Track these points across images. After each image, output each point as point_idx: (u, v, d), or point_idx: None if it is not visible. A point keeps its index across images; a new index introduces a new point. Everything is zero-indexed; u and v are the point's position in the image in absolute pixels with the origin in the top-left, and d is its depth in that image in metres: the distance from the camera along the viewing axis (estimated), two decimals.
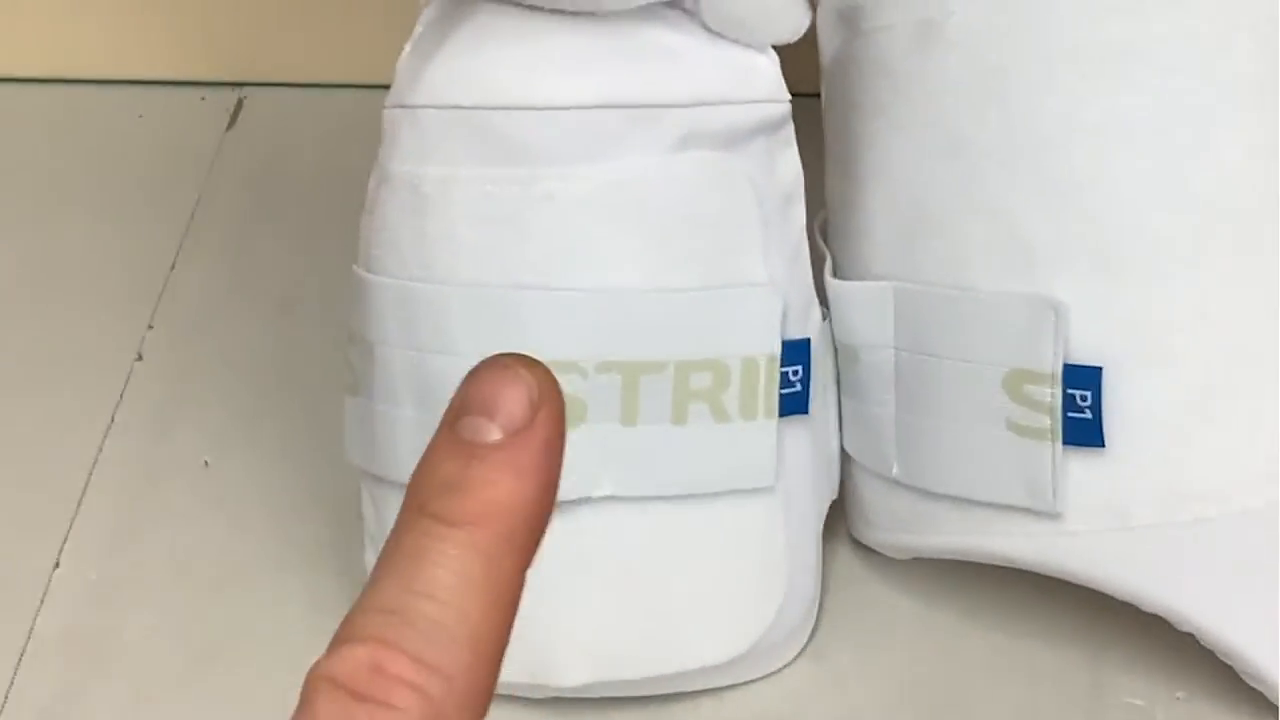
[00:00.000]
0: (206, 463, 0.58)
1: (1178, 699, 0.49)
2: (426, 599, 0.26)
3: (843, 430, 0.51)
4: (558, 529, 0.46)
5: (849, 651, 0.51)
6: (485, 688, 0.26)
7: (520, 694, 0.49)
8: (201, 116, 0.71)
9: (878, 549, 0.52)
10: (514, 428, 0.27)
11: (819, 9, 0.50)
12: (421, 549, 0.26)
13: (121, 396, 0.60)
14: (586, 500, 0.47)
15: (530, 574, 0.47)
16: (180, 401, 0.60)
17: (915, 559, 0.52)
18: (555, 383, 0.27)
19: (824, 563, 0.52)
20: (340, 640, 0.26)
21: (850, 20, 0.49)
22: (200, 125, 0.71)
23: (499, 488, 0.27)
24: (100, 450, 0.58)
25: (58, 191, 0.68)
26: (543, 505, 0.27)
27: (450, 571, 0.26)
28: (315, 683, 0.26)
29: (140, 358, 0.61)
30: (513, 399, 0.27)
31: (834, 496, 0.51)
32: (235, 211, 0.67)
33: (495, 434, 0.27)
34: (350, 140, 0.68)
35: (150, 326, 0.62)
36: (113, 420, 0.59)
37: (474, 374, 0.27)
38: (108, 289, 0.64)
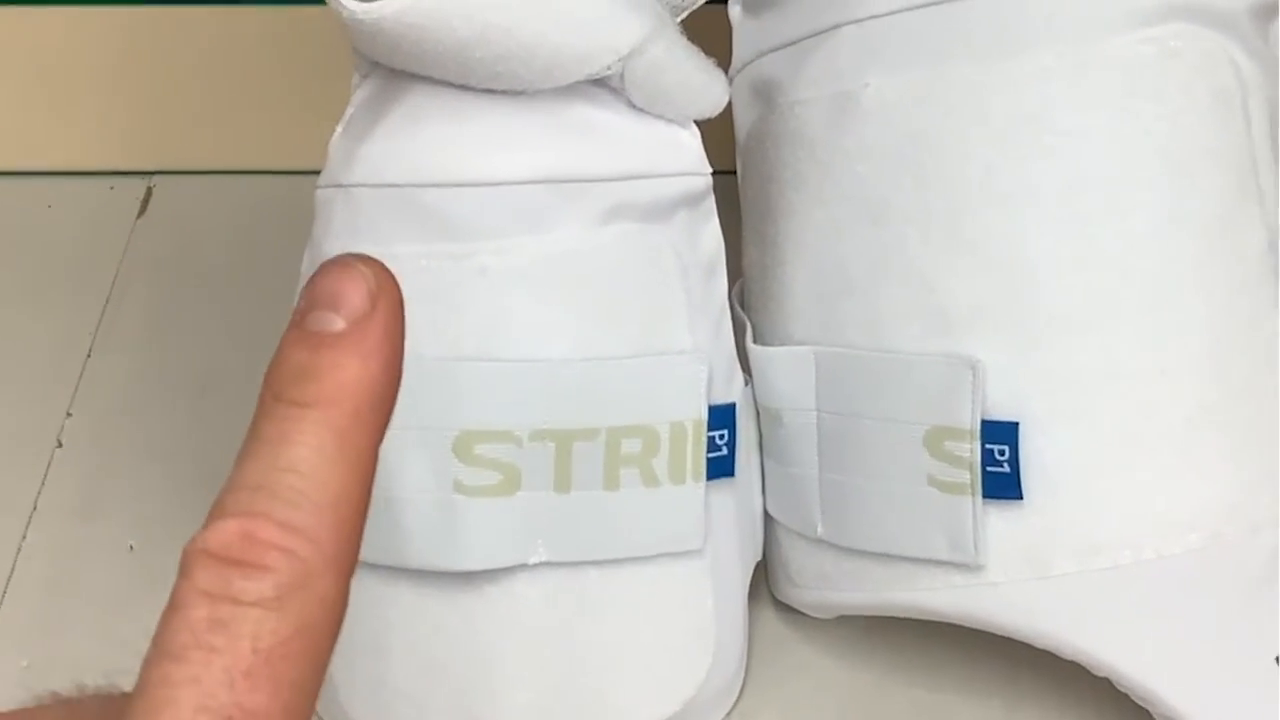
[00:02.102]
0: (131, 547, 0.58)
1: None
2: (288, 473, 0.28)
3: (766, 492, 0.52)
4: (490, 595, 0.47)
5: (775, 711, 0.52)
6: (349, 549, 0.28)
7: None
8: (112, 205, 0.72)
9: (802, 609, 0.53)
10: (356, 317, 0.29)
11: (734, 85, 0.52)
12: (280, 432, 0.28)
13: (43, 483, 0.60)
14: (522, 566, 0.48)
15: (468, 640, 0.48)
16: (102, 487, 0.60)
17: (838, 618, 0.53)
18: (391, 275, 0.30)
19: (749, 624, 0.53)
20: (213, 516, 0.28)
21: (766, 95, 0.51)
22: (111, 214, 0.71)
23: (346, 370, 0.29)
24: (24, 538, 0.58)
25: None
26: (387, 383, 0.29)
27: (308, 448, 0.28)
28: (192, 555, 0.28)
29: (60, 444, 0.62)
30: (354, 291, 0.29)
31: (758, 558, 0.53)
32: (149, 298, 0.68)
33: (339, 324, 0.29)
34: (259, 225, 0.69)
35: (69, 414, 0.63)
36: (35, 507, 0.59)
37: (318, 273, 0.30)
38: (25, 377, 0.64)
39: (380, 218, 0.47)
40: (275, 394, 0.29)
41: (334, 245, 0.48)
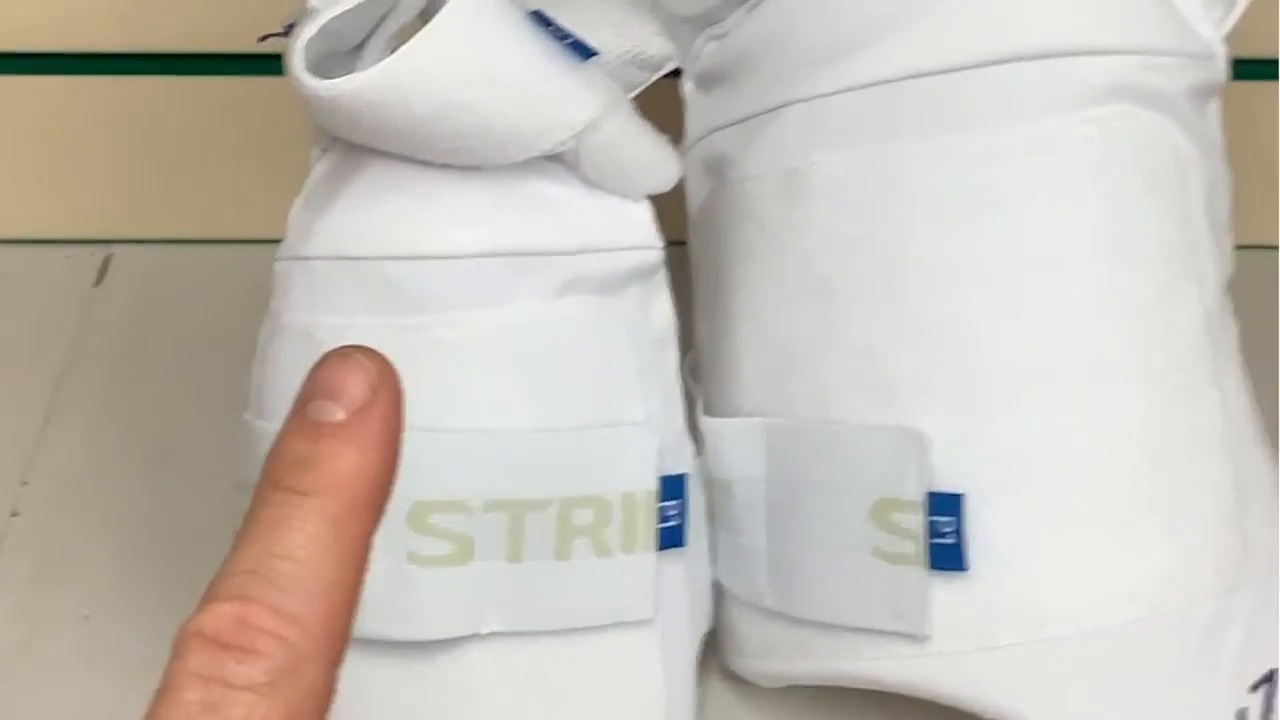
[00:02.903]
0: (87, 616, 0.58)
1: None
2: (283, 559, 0.29)
3: (717, 562, 0.53)
4: (443, 664, 0.48)
5: None
6: (339, 636, 0.29)
7: None
8: (69, 274, 0.72)
9: (750, 679, 0.54)
10: (356, 407, 0.30)
11: (686, 160, 0.53)
12: (277, 518, 0.29)
13: None
14: (475, 636, 0.48)
15: (420, 710, 0.49)
16: (58, 556, 0.60)
17: (786, 688, 0.54)
18: (391, 367, 0.31)
19: (700, 693, 0.54)
20: (207, 599, 0.29)
21: (718, 170, 0.52)
22: (68, 283, 0.72)
23: (345, 460, 0.30)
24: None
25: None
26: (384, 473, 0.30)
27: (304, 535, 0.29)
28: (185, 637, 0.28)
29: (15, 514, 0.62)
30: (354, 382, 0.30)
31: (709, 627, 0.53)
32: (106, 367, 0.68)
33: (340, 414, 0.30)
34: (217, 294, 0.70)
35: (24, 483, 0.63)
36: None
37: (319, 364, 0.31)
38: None
39: (338, 290, 0.48)
40: (274, 481, 0.30)
41: (292, 317, 0.49)
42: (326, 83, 0.44)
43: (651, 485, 0.49)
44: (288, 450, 0.30)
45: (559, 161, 0.48)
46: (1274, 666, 0.49)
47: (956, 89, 0.47)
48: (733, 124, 0.51)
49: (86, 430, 0.65)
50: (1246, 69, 0.67)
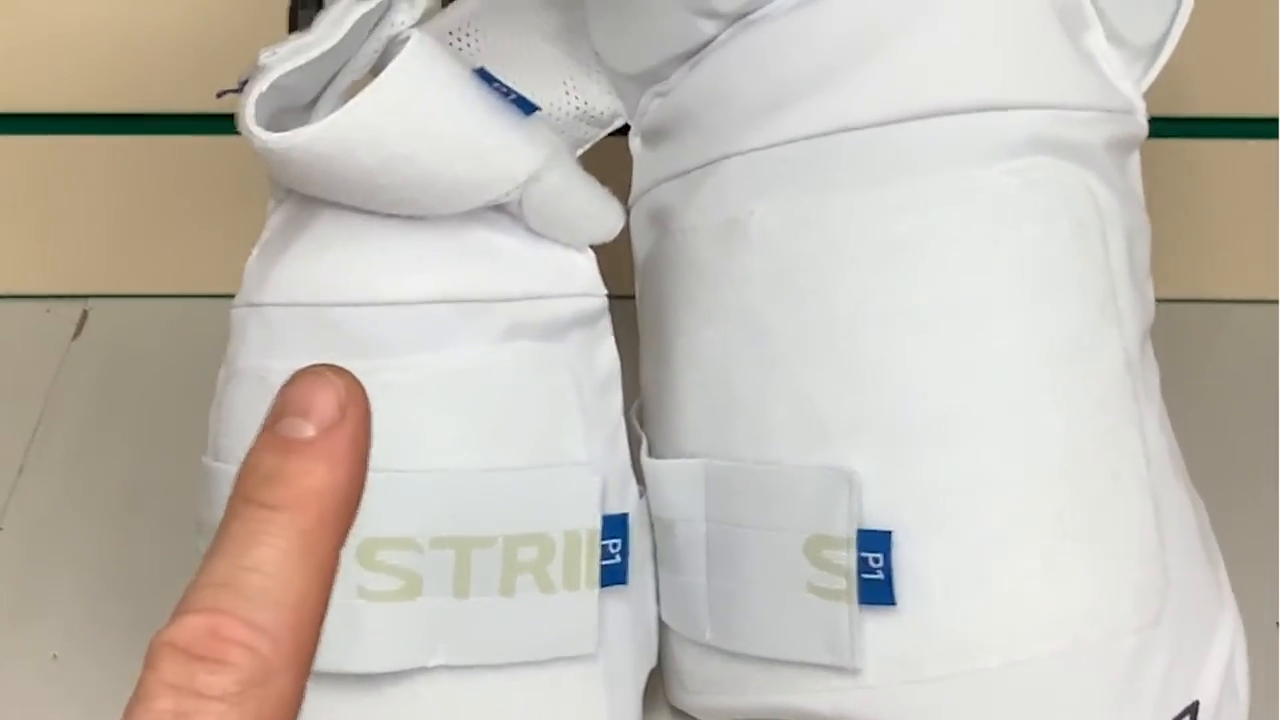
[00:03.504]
0: (55, 656, 0.60)
1: None
2: (253, 572, 0.30)
3: (660, 600, 0.55)
4: (390, 696, 0.49)
5: None
6: (308, 648, 0.30)
7: None
8: (47, 328, 0.74)
9: (694, 714, 0.55)
10: (325, 425, 0.31)
11: (632, 212, 0.55)
12: (248, 532, 0.30)
13: None
14: (422, 669, 0.50)
15: None
16: (30, 596, 0.62)
17: None
18: (360, 386, 0.32)
19: None
20: (179, 612, 0.29)
21: (661, 221, 0.54)
22: (46, 336, 0.74)
23: (314, 476, 0.31)
24: None
25: None
26: (353, 489, 0.31)
27: (274, 549, 0.30)
28: (158, 648, 0.29)
29: None
30: (324, 400, 0.31)
31: (653, 664, 0.55)
32: (81, 417, 0.70)
33: (310, 430, 0.31)
34: (192, 346, 0.72)
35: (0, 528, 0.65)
36: None
37: (290, 381, 0.32)
38: None
39: (291, 335, 0.50)
40: (245, 496, 0.31)
41: (247, 362, 0.51)
42: (276, 135, 0.46)
43: (594, 524, 0.51)
44: (258, 465, 0.31)
45: (504, 212, 0.50)
46: (1197, 699, 0.50)
47: (883, 142, 0.49)
48: (675, 176, 0.53)
49: (61, 476, 0.67)
50: (1247, 128, 0.70)
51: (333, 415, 0.31)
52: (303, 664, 0.30)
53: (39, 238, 0.75)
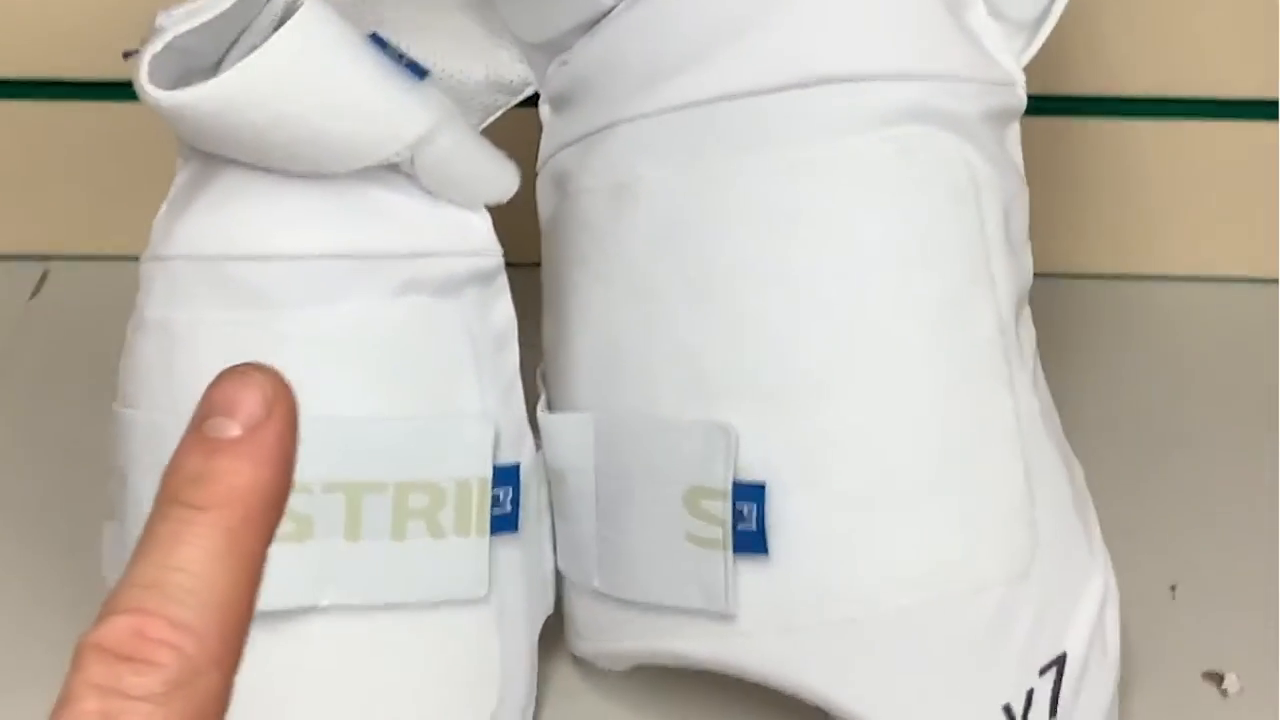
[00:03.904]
0: None
1: None
2: (179, 572, 0.30)
3: (557, 550, 0.57)
4: (285, 633, 0.51)
5: None
6: (234, 647, 0.30)
7: None
8: (6, 286, 0.77)
9: (590, 660, 0.57)
10: (251, 424, 0.31)
11: (539, 177, 0.57)
12: (173, 533, 0.30)
13: None
14: (313, 608, 0.52)
15: (262, 678, 0.52)
16: None
17: (630, 672, 0.57)
18: (286, 384, 0.32)
19: (546, 677, 0.58)
20: (105, 612, 0.29)
21: (561, 184, 0.56)
22: (5, 294, 0.76)
23: (241, 475, 0.31)
24: None
25: None
26: (279, 488, 0.31)
27: (199, 549, 0.30)
28: (84, 650, 0.29)
29: None
30: (250, 399, 0.31)
31: (549, 612, 0.57)
32: (33, 373, 0.72)
33: (235, 430, 0.31)
34: None
35: None
36: None
37: (216, 381, 0.32)
38: None
39: (193, 287, 0.52)
40: (170, 496, 0.31)
41: (153, 313, 0.53)
42: (167, 94, 0.49)
43: (485, 473, 0.53)
44: (184, 466, 0.31)
45: (399, 172, 0.52)
46: (1064, 651, 0.52)
47: (763, 110, 0.51)
48: (574, 142, 0.55)
49: (6, 430, 0.69)
50: (1247, 109, 0.72)
51: (258, 414, 0.31)
52: (230, 663, 0.30)
53: (2, 199, 0.77)
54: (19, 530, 0.65)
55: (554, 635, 0.58)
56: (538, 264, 0.58)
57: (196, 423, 0.31)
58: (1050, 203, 0.72)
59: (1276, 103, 0.72)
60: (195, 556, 0.30)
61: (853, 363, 0.51)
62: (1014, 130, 0.54)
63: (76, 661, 0.29)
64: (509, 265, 0.55)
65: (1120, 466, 0.66)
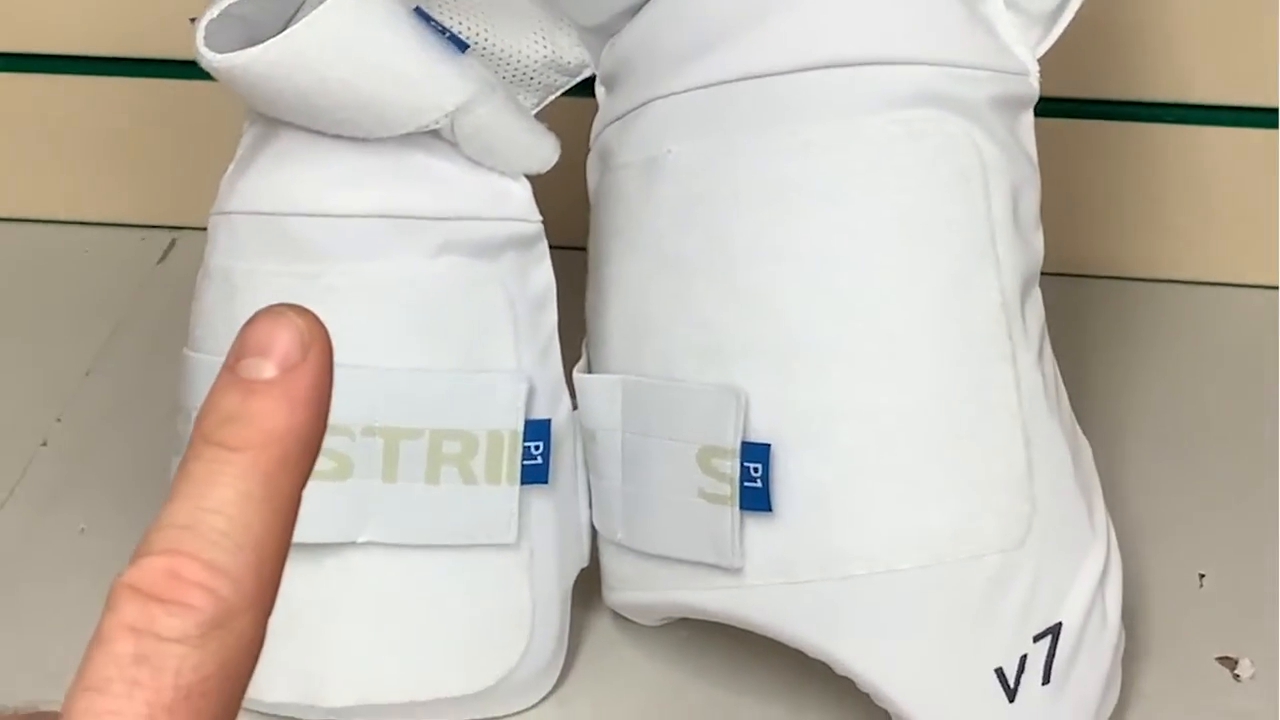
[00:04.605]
0: (83, 529, 0.67)
1: None
2: (214, 514, 0.29)
3: (592, 506, 0.60)
4: (328, 566, 0.55)
5: (589, 700, 0.60)
6: (269, 589, 0.30)
7: (294, 715, 0.57)
8: (138, 252, 0.82)
9: (619, 611, 0.61)
10: (287, 365, 0.30)
11: (591, 153, 0.60)
12: (209, 473, 0.30)
13: (22, 476, 0.70)
14: (351, 544, 0.56)
15: (308, 603, 0.56)
16: (74, 483, 0.69)
17: (663, 625, 0.60)
18: (322, 326, 0.31)
19: (584, 627, 0.61)
20: (140, 554, 0.29)
21: (605, 160, 0.59)
22: (136, 259, 0.82)
23: (276, 417, 0.30)
24: None
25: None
26: (314, 431, 0.31)
27: (235, 490, 0.29)
28: (119, 590, 0.29)
29: (45, 444, 0.71)
30: (286, 340, 0.30)
31: (584, 564, 0.60)
32: (152, 332, 0.77)
33: (271, 371, 0.30)
34: None
35: (59, 419, 0.72)
36: (12, 494, 0.69)
37: (251, 321, 0.31)
38: (27, 381, 0.75)
39: (251, 240, 0.56)
40: (205, 437, 0.30)
41: (216, 262, 0.57)
42: (220, 56, 0.53)
43: (517, 426, 0.56)
44: (219, 406, 0.30)
45: (443, 139, 0.56)
46: (1060, 621, 0.54)
47: (780, 90, 0.54)
48: (617, 119, 0.58)
49: (120, 384, 0.74)
50: (1248, 117, 0.74)
51: (294, 355, 0.30)
52: (264, 606, 0.30)
53: (135, 174, 0.83)
54: (139, 480, 0.69)
55: (595, 588, 0.61)
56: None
57: (231, 362, 0.30)
58: (1083, 202, 0.75)
59: (1277, 111, 0.74)
60: (230, 498, 0.29)
61: (857, 333, 0.53)
62: (1026, 118, 0.56)
63: (111, 602, 0.29)
64: (568, 249, 0.59)
65: (1154, 463, 0.68)
